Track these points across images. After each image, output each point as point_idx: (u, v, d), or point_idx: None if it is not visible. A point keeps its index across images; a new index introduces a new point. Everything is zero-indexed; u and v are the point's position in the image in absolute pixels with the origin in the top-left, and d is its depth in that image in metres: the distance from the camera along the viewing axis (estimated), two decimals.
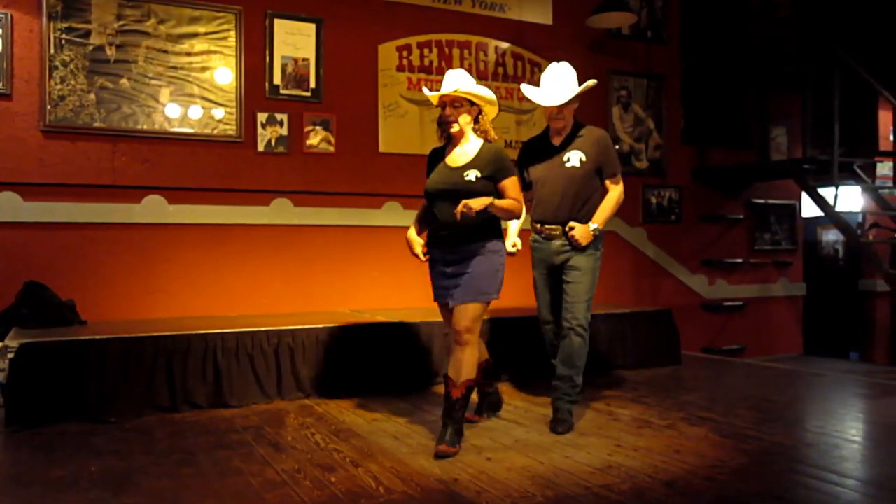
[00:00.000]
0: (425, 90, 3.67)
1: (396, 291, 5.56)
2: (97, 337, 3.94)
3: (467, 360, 3.36)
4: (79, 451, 3.29)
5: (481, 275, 3.36)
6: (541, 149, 3.88)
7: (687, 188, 7.15)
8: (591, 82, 3.78)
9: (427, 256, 3.53)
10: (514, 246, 3.83)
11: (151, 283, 4.99)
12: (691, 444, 3.40)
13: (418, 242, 3.55)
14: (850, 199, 7.58)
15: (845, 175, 6.55)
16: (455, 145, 3.48)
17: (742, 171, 7.26)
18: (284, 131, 5.35)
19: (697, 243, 7.23)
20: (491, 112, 3.51)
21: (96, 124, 4.83)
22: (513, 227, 3.88)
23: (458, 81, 3.39)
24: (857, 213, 6.68)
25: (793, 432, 3.71)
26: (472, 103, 3.43)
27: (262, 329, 4.31)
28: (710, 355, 6.73)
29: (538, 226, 3.86)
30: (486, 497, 2.69)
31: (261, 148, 5.29)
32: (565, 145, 3.80)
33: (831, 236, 8.63)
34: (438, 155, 3.56)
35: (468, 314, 3.35)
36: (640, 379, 5.06)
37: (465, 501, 2.66)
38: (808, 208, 7.58)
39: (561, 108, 3.74)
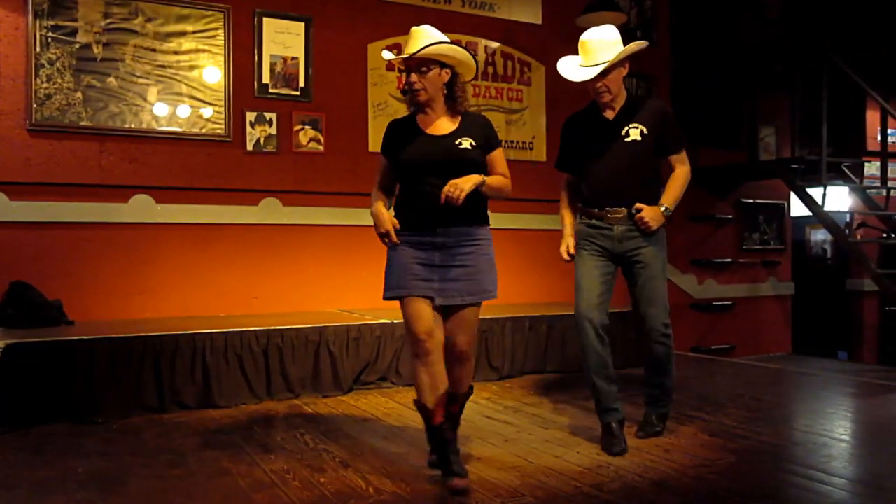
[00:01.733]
0: (385, 53, 3.11)
1: None
2: (84, 337, 3.91)
3: (468, 374, 3.00)
4: (66, 452, 3.26)
5: (481, 269, 2.89)
6: (592, 124, 3.42)
7: None
8: (637, 45, 3.33)
9: (398, 239, 2.88)
10: (568, 251, 3.41)
11: (139, 283, 4.96)
12: (681, 443, 3.40)
13: (390, 219, 2.88)
14: (838, 198, 7.61)
15: (833, 175, 6.58)
16: (428, 115, 2.93)
17: (731, 171, 7.29)
18: (273, 130, 5.33)
19: (687, 243, 7.24)
20: (467, 75, 2.98)
21: (83, 123, 4.79)
22: (570, 225, 3.47)
23: (424, 39, 2.85)
24: (845, 213, 6.71)
25: (781, 431, 3.72)
26: (444, 65, 2.89)
27: (251, 329, 4.30)
28: (699, 355, 6.75)
29: (596, 210, 3.37)
30: (475, 497, 2.68)
31: (249, 147, 5.27)
32: (622, 119, 3.36)
33: (819, 236, 8.67)
34: (406, 126, 2.96)
35: (472, 322, 2.92)
36: (630, 378, 5.05)
37: (455, 501, 2.65)
38: (797, 208, 7.62)
39: (601, 79, 3.27)
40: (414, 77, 2.86)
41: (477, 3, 6.13)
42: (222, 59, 5.18)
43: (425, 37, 2.87)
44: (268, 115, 5.32)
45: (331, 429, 3.66)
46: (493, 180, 2.91)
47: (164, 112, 5.03)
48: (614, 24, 6.39)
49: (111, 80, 4.87)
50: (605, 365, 3.34)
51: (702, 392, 4.65)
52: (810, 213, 6.58)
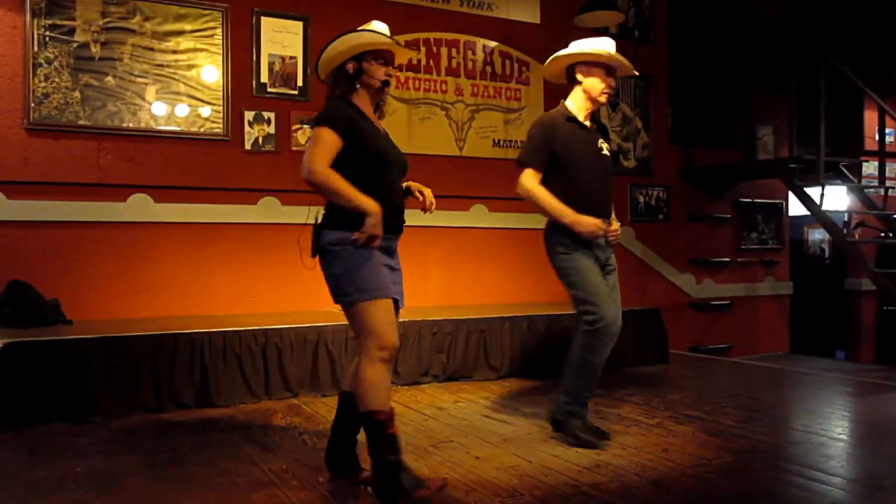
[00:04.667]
0: (377, 25, 2.88)
1: None
2: (82, 337, 3.90)
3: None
4: (63, 451, 3.26)
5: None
6: (574, 128, 3.41)
7: (674, 187, 7.17)
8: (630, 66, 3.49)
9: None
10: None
11: (137, 283, 4.95)
12: (678, 442, 3.40)
13: None
14: (836, 198, 7.62)
15: (831, 174, 6.58)
16: (369, 110, 2.82)
17: (729, 171, 7.30)
18: (272, 130, 5.32)
19: (685, 242, 7.25)
20: None
21: (81, 122, 4.79)
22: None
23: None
24: (842, 213, 6.72)
25: (779, 431, 3.72)
26: None
27: (250, 328, 4.29)
28: (697, 354, 6.76)
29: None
30: (474, 496, 2.68)
31: (248, 146, 5.27)
32: (595, 130, 3.48)
33: (817, 235, 8.68)
34: (357, 111, 2.73)
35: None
36: (628, 377, 5.07)
37: (454, 501, 2.65)
38: (795, 207, 7.63)
39: (614, 78, 3.44)
40: (392, 71, 2.86)
41: (475, 3, 6.13)
42: (220, 58, 5.18)
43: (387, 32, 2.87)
44: (266, 115, 5.31)
45: (329, 428, 3.65)
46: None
47: (162, 111, 5.02)
48: (612, 24, 6.52)
49: (109, 79, 4.87)
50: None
51: (700, 392, 4.65)
52: (808, 213, 6.59)
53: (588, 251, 3.36)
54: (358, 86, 2.76)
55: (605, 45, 3.41)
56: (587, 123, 3.45)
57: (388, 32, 2.84)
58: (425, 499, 2.52)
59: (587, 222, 3.29)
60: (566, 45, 3.53)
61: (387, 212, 2.62)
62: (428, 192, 2.89)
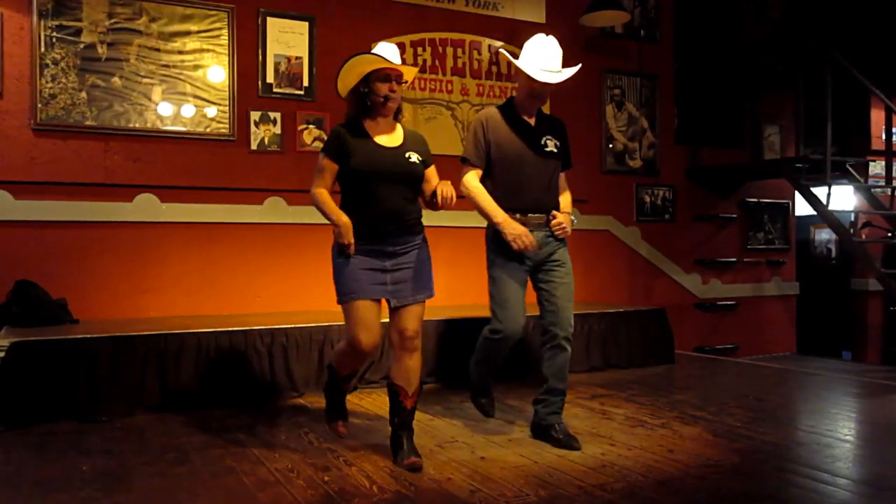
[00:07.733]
0: (382, 46, 3.10)
1: None
2: (89, 336, 3.92)
3: (417, 367, 3.13)
4: (70, 450, 3.27)
5: (425, 270, 3.13)
6: (514, 125, 3.44)
7: (680, 187, 7.16)
8: (578, 66, 3.47)
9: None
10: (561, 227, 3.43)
11: (143, 282, 4.97)
12: (684, 443, 3.40)
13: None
14: (842, 198, 7.59)
15: (838, 174, 6.56)
16: (378, 123, 3.10)
17: (735, 171, 7.28)
18: (277, 130, 5.33)
19: (691, 242, 7.24)
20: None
21: (88, 122, 4.80)
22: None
23: (398, 56, 3.06)
24: (849, 213, 6.70)
25: (785, 431, 3.71)
26: None
27: (256, 328, 4.30)
28: (703, 354, 6.74)
29: (518, 215, 3.37)
30: (479, 496, 2.68)
31: (254, 146, 5.28)
32: (539, 127, 3.47)
33: (824, 235, 8.66)
34: (355, 133, 3.05)
35: (419, 315, 3.11)
36: (634, 378, 5.06)
37: (459, 501, 2.65)
38: (801, 207, 7.61)
39: (554, 87, 3.37)
40: (396, 87, 3.06)
41: (481, 3, 6.13)
42: (226, 58, 5.19)
43: (396, 53, 3.08)
44: (272, 115, 5.32)
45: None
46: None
47: (168, 112, 5.04)
48: (618, 23, 6.52)
49: (115, 79, 4.89)
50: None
51: (705, 392, 4.64)
52: (815, 213, 6.57)
53: (513, 255, 3.36)
54: (369, 104, 3.06)
55: (535, 69, 3.34)
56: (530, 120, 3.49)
57: (394, 51, 3.07)
58: (414, 465, 2.99)
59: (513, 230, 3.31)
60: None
61: (370, 220, 3.01)
62: (440, 188, 3.01)
